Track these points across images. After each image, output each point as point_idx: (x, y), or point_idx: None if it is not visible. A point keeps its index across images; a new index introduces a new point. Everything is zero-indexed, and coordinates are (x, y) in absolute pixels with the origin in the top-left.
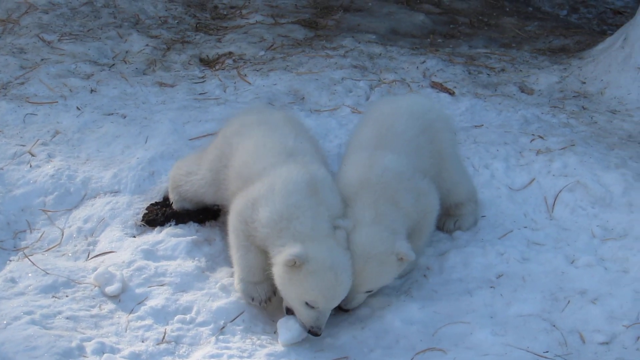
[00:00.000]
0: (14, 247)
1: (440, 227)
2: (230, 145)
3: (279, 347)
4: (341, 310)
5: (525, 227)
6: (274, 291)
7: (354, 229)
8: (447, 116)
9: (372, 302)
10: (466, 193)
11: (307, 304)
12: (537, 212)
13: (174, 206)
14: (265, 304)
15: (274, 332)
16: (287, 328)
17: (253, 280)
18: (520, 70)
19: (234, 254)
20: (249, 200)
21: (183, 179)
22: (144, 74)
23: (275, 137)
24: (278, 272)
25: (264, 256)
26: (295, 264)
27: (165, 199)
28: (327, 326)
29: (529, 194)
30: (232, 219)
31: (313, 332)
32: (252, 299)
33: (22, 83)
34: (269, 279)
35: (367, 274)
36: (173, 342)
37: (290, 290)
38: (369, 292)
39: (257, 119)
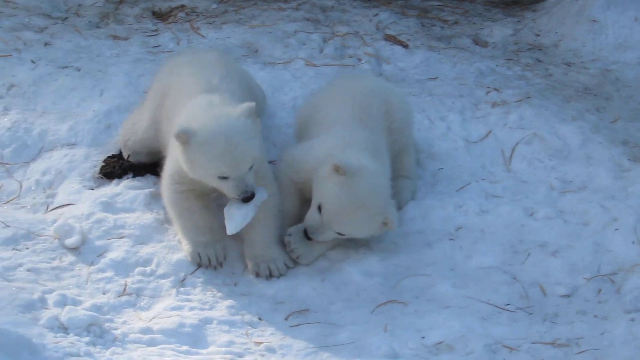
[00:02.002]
0: None
1: None
2: (163, 84)
3: (239, 299)
4: (307, 238)
5: (483, 180)
6: (225, 255)
7: (360, 171)
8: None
9: (331, 255)
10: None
11: (219, 178)
12: (494, 165)
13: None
14: (221, 266)
15: (234, 285)
16: (230, 217)
17: (202, 239)
18: (474, 23)
19: (176, 217)
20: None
21: (129, 131)
22: (97, 27)
23: (201, 75)
24: (180, 157)
25: (210, 215)
26: (184, 140)
27: (122, 151)
28: (286, 278)
29: (485, 147)
30: (164, 178)
31: (243, 199)
32: (202, 262)
33: None
34: (219, 239)
35: (350, 218)
36: (134, 294)
37: (197, 171)
38: (340, 235)
39: (189, 59)
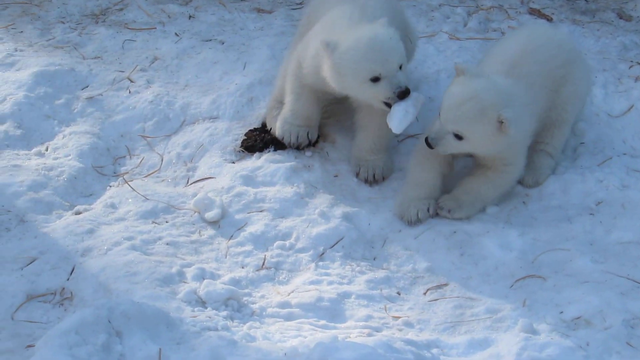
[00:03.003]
0: (114, 173)
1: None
2: (313, 14)
3: (378, 274)
4: (429, 147)
5: (624, 154)
6: (316, 141)
7: (479, 75)
8: None
9: (470, 229)
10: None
11: (371, 80)
12: (636, 139)
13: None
14: (303, 148)
15: (373, 259)
16: (391, 117)
17: (296, 122)
18: None
19: (287, 97)
20: (304, 41)
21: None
22: (242, 0)
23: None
24: (327, 71)
25: (315, 107)
26: (328, 47)
27: (264, 125)
28: (424, 252)
29: (628, 121)
30: (291, 63)
31: (399, 94)
32: (290, 140)
33: (121, 9)
34: (313, 125)
35: (462, 111)
36: (273, 268)
37: (347, 80)
38: (458, 138)
39: None
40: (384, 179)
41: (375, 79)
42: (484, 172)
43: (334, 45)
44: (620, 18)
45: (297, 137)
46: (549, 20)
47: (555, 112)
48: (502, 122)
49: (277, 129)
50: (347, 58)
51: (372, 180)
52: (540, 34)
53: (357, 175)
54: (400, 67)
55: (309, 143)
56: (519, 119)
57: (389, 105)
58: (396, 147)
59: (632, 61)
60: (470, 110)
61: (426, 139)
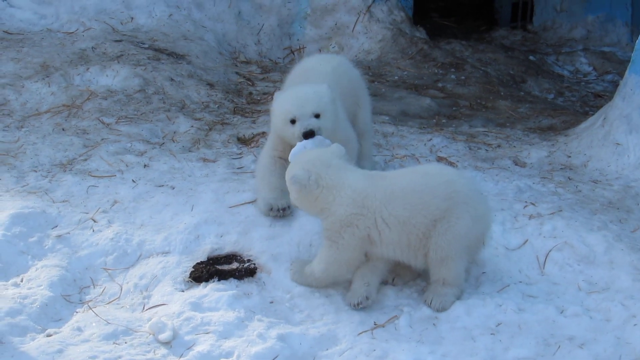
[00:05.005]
0: (80, 301)
1: None
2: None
3: None
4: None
5: (520, 282)
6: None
7: None
8: None
9: (388, 347)
10: None
11: (290, 121)
12: (530, 269)
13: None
14: (283, 212)
15: None
16: (291, 151)
17: (273, 195)
18: (514, 146)
19: (259, 177)
20: None
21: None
22: (189, 151)
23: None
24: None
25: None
26: (273, 98)
27: (209, 258)
28: None
29: (523, 253)
30: (264, 148)
31: (304, 134)
32: (271, 209)
33: (85, 159)
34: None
35: None
36: None
37: (276, 121)
38: None
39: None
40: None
41: (293, 121)
42: None
43: (275, 96)
44: (516, 165)
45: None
46: (454, 167)
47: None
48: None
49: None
50: (276, 103)
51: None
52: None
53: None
54: (318, 116)
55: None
56: None
57: None
58: None
59: (526, 202)
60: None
61: None
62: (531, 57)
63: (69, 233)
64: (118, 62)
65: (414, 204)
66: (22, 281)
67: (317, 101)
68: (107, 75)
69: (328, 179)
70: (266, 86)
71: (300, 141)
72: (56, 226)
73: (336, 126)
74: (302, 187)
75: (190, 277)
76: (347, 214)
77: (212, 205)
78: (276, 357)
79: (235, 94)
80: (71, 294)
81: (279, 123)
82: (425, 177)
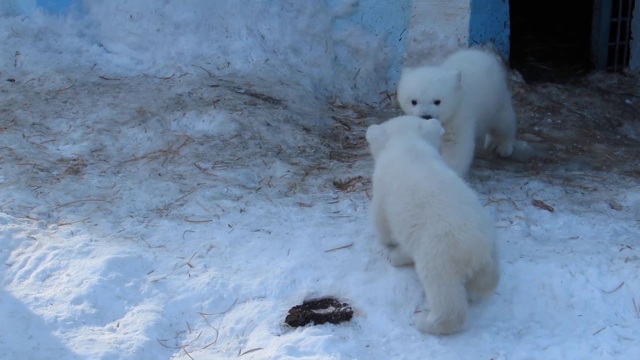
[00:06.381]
0: (176, 345)
1: None
2: None
3: None
4: None
5: (616, 325)
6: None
7: None
8: None
9: None
10: None
11: (412, 102)
12: (626, 312)
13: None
14: None
15: None
16: None
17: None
18: (610, 190)
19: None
20: None
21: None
22: (285, 195)
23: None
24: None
25: None
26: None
27: (305, 302)
28: None
29: (619, 296)
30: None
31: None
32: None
33: (182, 204)
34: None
35: None
36: None
37: (400, 98)
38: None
39: None
40: None
41: (414, 102)
42: None
43: (403, 73)
44: (612, 208)
45: None
46: (551, 210)
47: None
48: None
49: None
50: (403, 80)
51: None
52: None
53: None
54: (438, 102)
55: None
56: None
57: None
58: None
59: (622, 244)
60: None
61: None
62: (627, 101)
63: (165, 278)
64: (214, 107)
65: (406, 202)
66: (118, 326)
67: (439, 87)
68: (203, 121)
69: (384, 141)
70: (362, 130)
71: None
72: (152, 271)
73: (455, 115)
74: (369, 139)
75: (286, 321)
76: (376, 178)
77: (309, 250)
78: None
79: (332, 139)
80: (167, 339)
81: (402, 100)
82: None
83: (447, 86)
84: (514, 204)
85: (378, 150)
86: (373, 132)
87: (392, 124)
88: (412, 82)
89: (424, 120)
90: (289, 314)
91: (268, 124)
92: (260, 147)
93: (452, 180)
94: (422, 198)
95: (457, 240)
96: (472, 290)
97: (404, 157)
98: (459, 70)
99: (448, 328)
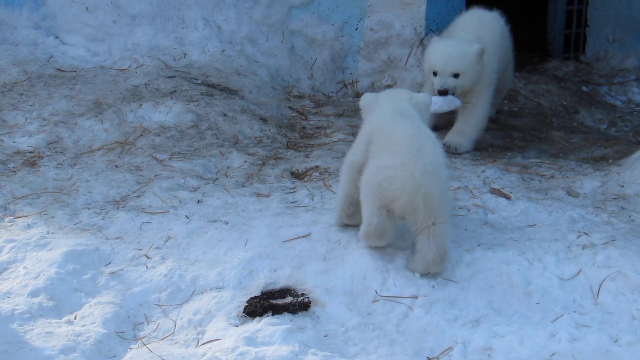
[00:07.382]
0: (134, 337)
1: None
2: None
3: None
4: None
5: (574, 312)
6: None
7: None
8: None
9: None
10: None
11: (433, 73)
12: (584, 299)
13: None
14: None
15: None
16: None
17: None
18: (567, 177)
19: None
20: None
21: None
22: (243, 186)
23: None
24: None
25: None
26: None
27: (263, 293)
28: None
29: (576, 284)
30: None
31: (439, 91)
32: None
33: (139, 196)
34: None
35: None
36: None
37: (424, 67)
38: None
39: None
40: None
41: (435, 73)
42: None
43: (432, 42)
44: (569, 195)
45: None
46: (508, 198)
47: None
48: None
49: None
50: (428, 50)
51: None
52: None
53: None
54: (457, 75)
55: None
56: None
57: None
58: None
59: (579, 232)
60: None
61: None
62: (584, 88)
63: (122, 270)
64: (171, 98)
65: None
66: (75, 318)
67: (459, 61)
68: (160, 112)
69: (375, 106)
70: (319, 120)
71: (434, 95)
72: (110, 263)
73: (473, 87)
74: (361, 105)
75: (244, 312)
76: (364, 130)
77: (266, 240)
78: None
79: (289, 129)
80: (125, 331)
81: (425, 69)
82: None
83: (468, 60)
84: (471, 192)
85: (368, 115)
86: (366, 99)
87: (385, 93)
88: (434, 54)
89: (416, 93)
90: (247, 304)
91: (225, 115)
92: (217, 138)
93: (429, 136)
94: (394, 143)
95: (394, 175)
96: (419, 262)
97: (392, 115)
98: (482, 46)
99: (368, 239)
